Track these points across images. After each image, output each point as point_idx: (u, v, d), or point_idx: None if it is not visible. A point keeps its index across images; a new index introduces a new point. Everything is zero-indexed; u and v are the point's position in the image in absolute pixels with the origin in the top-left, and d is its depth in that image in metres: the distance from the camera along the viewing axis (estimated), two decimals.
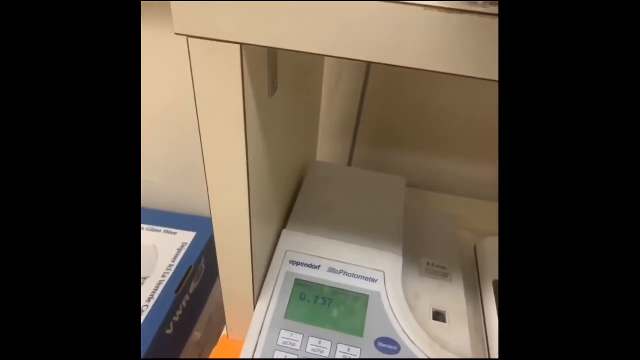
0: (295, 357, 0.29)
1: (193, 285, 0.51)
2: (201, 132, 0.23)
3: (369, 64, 0.51)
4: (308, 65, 0.38)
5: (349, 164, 0.60)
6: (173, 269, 0.49)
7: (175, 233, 0.54)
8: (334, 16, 0.18)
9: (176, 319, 0.47)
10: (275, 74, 0.26)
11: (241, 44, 0.20)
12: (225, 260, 0.30)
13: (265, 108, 0.26)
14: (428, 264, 0.40)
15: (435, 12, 0.18)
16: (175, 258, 0.51)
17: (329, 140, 0.59)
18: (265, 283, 0.34)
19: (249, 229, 0.27)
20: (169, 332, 0.46)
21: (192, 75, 0.21)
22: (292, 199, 0.41)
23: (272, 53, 0.25)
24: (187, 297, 0.49)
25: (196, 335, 0.53)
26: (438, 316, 0.35)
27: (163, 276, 0.48)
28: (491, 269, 0.40)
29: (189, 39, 0.20)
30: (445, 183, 0.57)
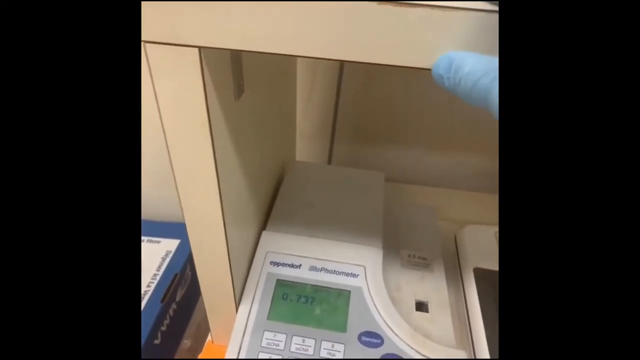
0: (280, 357, 0.30)
1: (179, 293, 0.50)
2: (167, 138, 0.23)
3: (342, 62, 0.52)
4: (278, 65, 0.38)
5: (329, 163, 0.60)
6: (158, 277, 0.49)
7: (158, 242, 0.54)
8: (293, 14, 0.18)
9: (164, 328, 0.47)
10: (240, 76, 0.26)
11: (200, 48, 0.20)
12: (203, 266, 0.30)
13: (232, 111, 0.26)
14: (409, 255, 0.40)
15: (389, 7, 0.18)
16: (159, 267, 0.50)
17: (307, 140, 0.59)
18: (246, 285, 0.34)
19: (224, 233, 0.27)
20: (157, 342, 0.45)
21: (152, 81, 0.21)
22: (272, 200, 0.41)
23: (236, 55, 0.25)
24: (173, 306, 0.49)
25: (185, 343, 0.52)
26: (421, 307, 0.36)
27: (148, 286, 0.48)
28: (471, 257, 0.40)
29: (145, 44, 0.20)
30: (425, 176, 0.57)
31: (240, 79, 0.26)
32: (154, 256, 0.52)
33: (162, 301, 0.46)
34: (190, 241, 0.28)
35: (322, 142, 0.59)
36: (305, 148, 0.60)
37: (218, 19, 0.19)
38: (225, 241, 0.28)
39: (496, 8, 0.18)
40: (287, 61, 0.41)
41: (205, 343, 0.37)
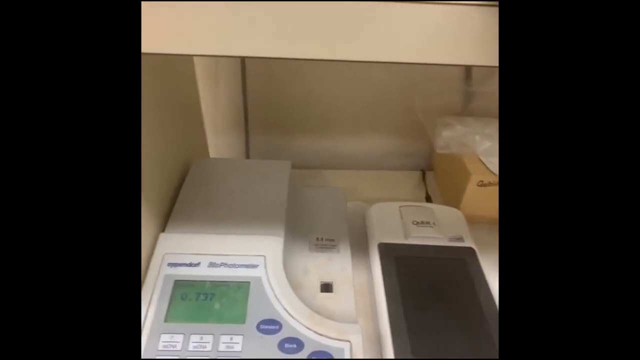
0: (177, 358, 0.29)
1: None
2: None
3: (242, 59, 0.51)
4: (156, 63, 0.37)
5: (247, 156, 0.59)
6: None
7: None
8: None
9: None
10: None
11: None
12: None
13: None
14: (317, 239, 0.41)
15: None
16: None
17: (223, 135, 0.59)
18: (143, 290, 0.33)
19: None
20: None
21: None
22: (173, 201, 0.40)
23: None
24: None
25: None
26: (326, 288, 0.37)
27: None
28: (377, 233, 0.42)
29: None
30: (337, 159, 0.58)
31: None
32: None
33: None
34: None
35: (237, 136, 0.59)
36: (222, 143, 0.59)
37: None
38: None
39: None
40: (167, 61, 0.40)
41: None
